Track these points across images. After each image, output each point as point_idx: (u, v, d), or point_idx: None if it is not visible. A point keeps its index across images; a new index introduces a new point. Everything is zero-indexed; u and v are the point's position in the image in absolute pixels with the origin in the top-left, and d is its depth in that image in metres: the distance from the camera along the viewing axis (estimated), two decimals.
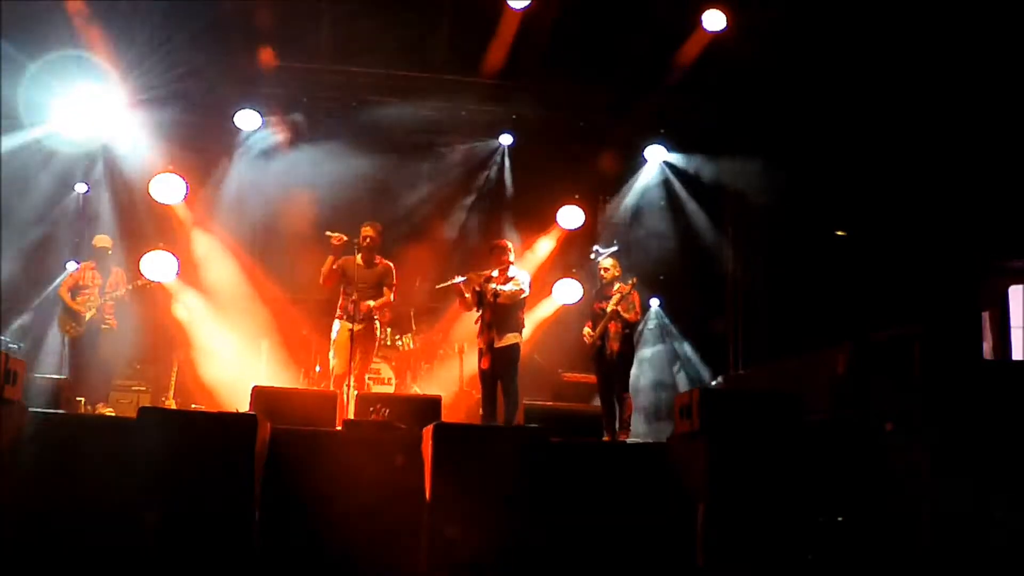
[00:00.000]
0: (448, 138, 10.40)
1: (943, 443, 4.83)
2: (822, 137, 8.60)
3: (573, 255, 10.31)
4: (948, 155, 7.89)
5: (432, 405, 6.30)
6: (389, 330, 9.69)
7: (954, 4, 7.46)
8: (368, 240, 7.40)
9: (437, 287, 7.84)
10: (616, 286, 7.51)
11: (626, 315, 7.40)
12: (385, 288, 7.48)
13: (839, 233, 8.88)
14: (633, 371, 8.06)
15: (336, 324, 7.48)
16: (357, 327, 7.29)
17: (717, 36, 8.46)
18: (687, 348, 10.56)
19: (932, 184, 7.96)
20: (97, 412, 7.62)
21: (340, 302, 7.51)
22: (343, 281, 7.49)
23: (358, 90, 9.91)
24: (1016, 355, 8.58)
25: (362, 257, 7.44)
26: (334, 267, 7.39)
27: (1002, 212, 8.01)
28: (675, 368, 10.57)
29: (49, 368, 8.34)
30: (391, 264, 7.56)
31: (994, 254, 8.41)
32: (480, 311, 7.18)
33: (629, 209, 10.76)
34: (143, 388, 9.12)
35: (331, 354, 7.47)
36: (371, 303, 7.35)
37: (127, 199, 9.71)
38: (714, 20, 8.38)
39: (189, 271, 9.50)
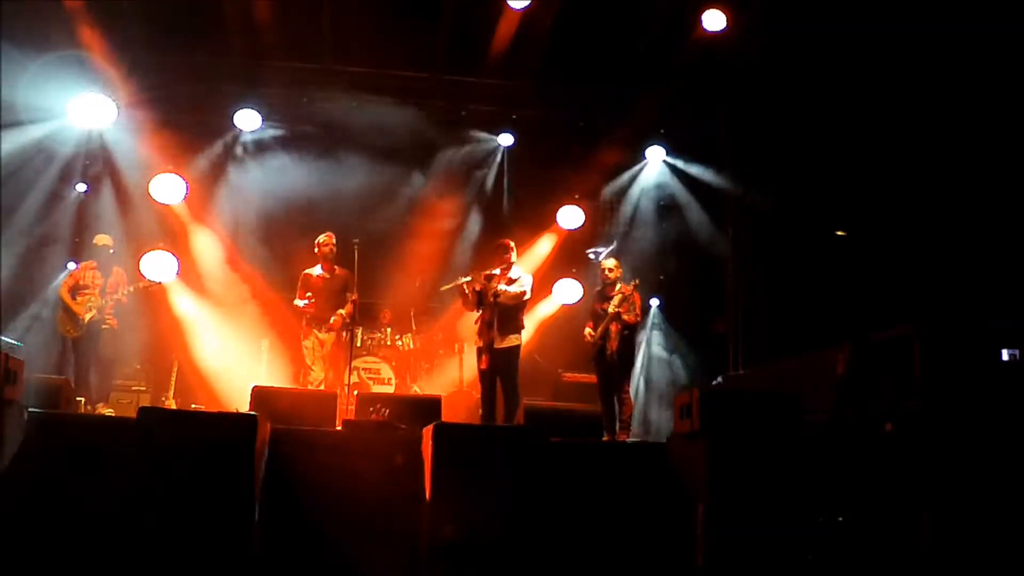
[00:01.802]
0: (448, 138, 10.40)
1: (942, 443, 4.83)
2: (822, 137, 8.60)
3: (573, 255, 10.30)
4: (948, 154, 7.88)
5: (432, 405, 6.30)
6: (389, 330, 9.71)
7: (955, 3, 7.47)
8: (326, 249, 7.64)
9: (442, 289, 7.87)
10: (618, 287, 7.50)
11: (627, 316, 7.40)
12: (347, 294, 7.66)
13: (839, 233, 8.87)
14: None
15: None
16: (325, 335, 7.54)
17: (717, 36, 8.47)
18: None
19: (932, 184, 7.95)
20: (97, 412, 7.61)
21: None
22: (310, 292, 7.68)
23: (358, 90, 9.92)
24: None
25: (322, 267, 7.59)
26: (309, 297, 7.58)
27: (1002, 211, 8.00)
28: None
29: (49, 368, 8.33)
30: (348, 271, 7.68)
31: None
32: (481, 311, 7.19)
33: (629, 209, 10.76)
34: (143, 388, 9.14)
35: (308, 361, 7.66)
36: (341, 312, 7.55)
37: (127, 199, 9.71)
38: (714, 20, 8.38)
39: (189, 271, 9.50)
